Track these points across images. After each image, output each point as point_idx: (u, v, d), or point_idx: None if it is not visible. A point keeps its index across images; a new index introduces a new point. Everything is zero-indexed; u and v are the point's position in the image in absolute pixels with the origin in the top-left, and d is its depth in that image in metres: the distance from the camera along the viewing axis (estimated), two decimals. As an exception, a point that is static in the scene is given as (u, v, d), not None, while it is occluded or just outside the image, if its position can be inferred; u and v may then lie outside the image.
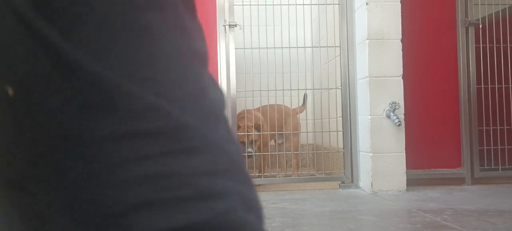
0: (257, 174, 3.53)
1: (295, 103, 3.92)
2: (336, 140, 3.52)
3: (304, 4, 3.51)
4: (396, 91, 3.07)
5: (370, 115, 3.07)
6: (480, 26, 3.39)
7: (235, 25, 3.26)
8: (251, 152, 3.35)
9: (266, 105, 3.65)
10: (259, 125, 3.47)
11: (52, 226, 0.34)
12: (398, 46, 3.10)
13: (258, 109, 3.71)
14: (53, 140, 0.33)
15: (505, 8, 3.48)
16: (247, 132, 3.36)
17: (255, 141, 3.42)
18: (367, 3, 3.10)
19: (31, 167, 0.34)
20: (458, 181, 3.33)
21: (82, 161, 0.33)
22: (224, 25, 3.23)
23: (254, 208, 0.41)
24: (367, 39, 3.10)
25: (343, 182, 3.32)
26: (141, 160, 0.34)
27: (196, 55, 0.42)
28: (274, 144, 3.92)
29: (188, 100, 0.37)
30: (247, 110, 3.54)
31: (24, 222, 0.35)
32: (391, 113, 3.02)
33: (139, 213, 0.33)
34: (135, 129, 0.34)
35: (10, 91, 0.33)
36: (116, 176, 0.33)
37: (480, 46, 3.38)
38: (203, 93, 0.40)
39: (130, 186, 0.33)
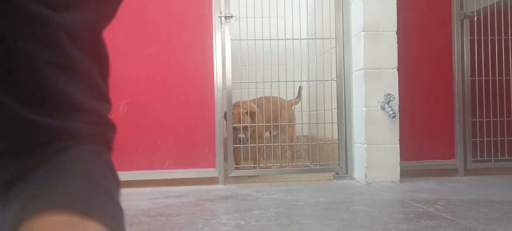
0: (252, 165, 3.55)
1: (291, 95, 3.94)
2: (331, 132, 3.55)
3: (299, -4, 3.51)
4: (391, 83, 3.09)
5: (365, 107, 3.09)
6: (475, 18, 3.41)
7: (231, 17, 3.26)
8: (243, 138, 3.38)
9: (262, 97, 3.66)
10: (254, 112, 3.49)
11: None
12: (394, 38, 3.11)
13: (253, 101, 3.72)
14: None
15: (500, 0, 3.49)
16: (241, 118, 3.38)
17: (249, 127, 3.45)
18: (362, -5, 3.10)
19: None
20: (451, 172, 3.37)
21: None
22: (219, 17, 3.23)
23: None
24: (363, 31, 3.11)
25: (337, 173, 3.35)
26: None
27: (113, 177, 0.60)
28: (269, 135, 3.94)
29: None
30: (242, 101, 3.55)
31: None
32: (386, 105, 3.04)
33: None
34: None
35: None
36: None
37: (474, 39, 3.40)
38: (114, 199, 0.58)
39: None
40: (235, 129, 3.38)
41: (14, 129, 0.50)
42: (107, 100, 0.61)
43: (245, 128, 3.42)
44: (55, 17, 0.49)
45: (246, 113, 3.45)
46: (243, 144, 3.39)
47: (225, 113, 3.33)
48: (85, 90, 0.55)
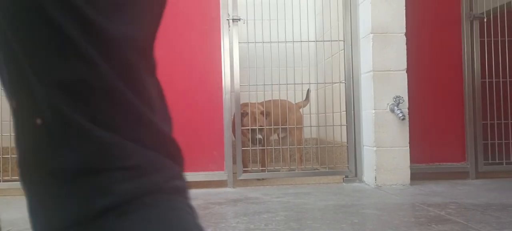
0: (260, 168, 3.54)
1: (299, 97, 3.92)
2: (340, 134, 3.52)
3: (307, -2, 3.50)
4: (400, 86, 3.07)
5: (374, 109, 3.07)
6: (485, 19, 3.37)
7: (239, 19, 3.25)
8: (260, 138, 3.38)
9: (270, 101, 3.65)
10: (269, 112, 3.49)
11: None
12: (402, 40, 3.09)
13: (261, 103, 3.71)
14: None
15: (510, 1, 3.46)
16: (257, 119, 3.39)
17: (265, 128, 3.45)
18: (371, -3, 3.09)
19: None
20: (462, 175, 3.33)
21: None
22: (227, 20, 3.23)
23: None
24: (371, 33, 3.09)
25: (347, 176, 3.33)
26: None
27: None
28: (277, 138, 3.92)
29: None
30: (250, 103, 3.54)
31: None
32: (395, 107, 3.01)
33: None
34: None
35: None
36: None
37: (484, 40, 3.36)
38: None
39: None
40: (252, 131, 3.38)
41: (84, 144, 0.45)
42: (169, 120, 0.57)
43: (261, 129, 3.41)
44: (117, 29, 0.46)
45: (262, 113, 3.45)
46: (259, 145, 3.38)
47: (242, 114, 3.32)
48: (146, 105, 0.50)
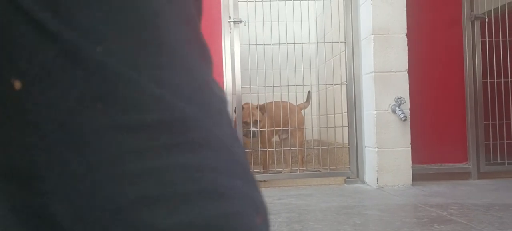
0: (262, 170, 3.54)
1: (300, 99, 3.92)
2: (342, 135, 3.52)
3: (308, 0, 3.50)
4: (401, 86, 3.07)
5: (376, 110, 3.07)
6: (486, 20, 3.37)
7: (240, 21, 3.26)
8: (254, 131, 3.39)
9: (271, 102, 3.66)
10: (264, 106, 3.51)
11: (50, 220, 0.33)
12: (404, 41, 3.09)
13: (262, 105, 3.72)
14: (53, 131, 0.32)
15: (511, 1, 3.46)
16: (251, 112, 3.41)
17: (259, 121, 3.46)
18: (372, -2, 3.09)
19: (31, 158, 0.33)
20: (464, 175, 3.33)
21: (81, 152, 0.32)
22: (228, 22, 3.23)
23: (262, 212, 0.40)
24: (372, 34, 3.09)
25: (348, 178, 3.33)
26: (143, 153, 0.32)
27: (202, 51, 0.41)
28: (278, 139, 3.93)
29: (193, 92, 0.36)
30: (251, 104, 3.55)
31: (20, 221, 0.33)
32: (397, 108, 3.01)
33: (140, 208, 0.31)
34: (137, 120, 0.32)
35: (17, 84, 0.32)
36: (116, 169, 0.32)
37: (486, 40, 3.36)
38: (208, 86, 0.38)
39: (132, 180, 0.32)
40: (246, 123, 3.39)
41: None
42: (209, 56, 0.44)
43: (256, 122, 3.43)
44: None
45: (256, 107, 3.47)
46: (253, 137, 3.40)
47: (235, 109, 3.33)
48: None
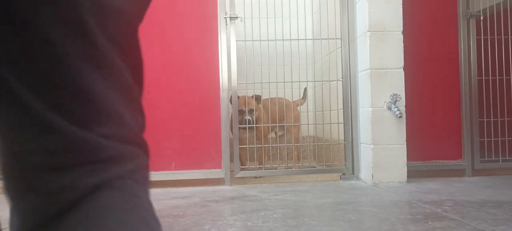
0: (258, 166, 3.55)
1: (296, 95, 3.93)
2: (337, 132, 3.53)
3: (305, -4, 3.50)
4: (397, 83, 3.08)
5: (371, 107, 3.08)
6: (481, 18, 3.38)
7: (236, 18, 3.25)
8: (249, 119, 3.40)
9: (267, 99, 3.66)
10: (259, 96, 3.52)
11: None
12: (399, 38, 3.10)
13: (258, 96, 3.73)
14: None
15: (507, 0, 3.47)
16: (247, 101, 3.41)
17: (255, 110, 3.46)
18: (368, -5, 3.09)
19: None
20: (459, 172, 3.35)
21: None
22: (225, 18, 3.23)
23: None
24: (368, 31, 3.09)
25: (344, 174, 3.34)
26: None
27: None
28: (274, 136, 3.93)
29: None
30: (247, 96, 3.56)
31: None
32: (392, 105, 3.02)
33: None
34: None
35: None
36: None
37: (481, 38, 3.38)
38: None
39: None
40: (241, 112, 3.40)
41: (36, 136, 0.44)
42: (142, 113, 0.53)
43: (251, 111, 3.44)
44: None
45: (252, 97, 3.49)
46: (248, 125, 3.40)
47: (231, 97, 3.33)
48: (117, 93, 0.47)
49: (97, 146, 0.46)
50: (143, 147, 0.53)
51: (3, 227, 2.02)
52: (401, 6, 3.11)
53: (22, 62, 0.43)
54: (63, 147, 0.44)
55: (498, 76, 3.38)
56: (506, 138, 3.37)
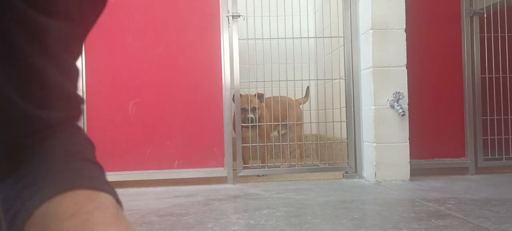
0: (260, 164, 3.55)
1: (299, 94, 3.93)
2: (340, 130, 3.53)
3: (307, -6, 3.50)
4: (400, 82, 3.07)
5: (374, 105, 3.07)
6: (485, 15, 3.37)
7: (239, 16, 3.25)
8: (252, 117, 3.40)
9: (270, 97, 3.66)
10: (262, 94, 3.52)
11: None
12: (402, 36, 3.09)
13: (261, 94, 3.73)
14: None
15: (510, -3, 3.45)
16: (249, 100, 3.41)
17: (257, 108, 3.46)
18: (371, -7, 3.08)
19: None
20: (462, 170, 3.34)
21: None
22: (227, 16, 3.23)
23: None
24: (371, 29, 3.09)
25: (347, 172, 3.33)
26: None
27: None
28: (277, 134, 3.93)
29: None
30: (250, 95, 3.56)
31: None
32: (395, 103, 3.01)
33: None
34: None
35: None
36: None
37: (484, 36, 3.36)
38: None
39: None
40: (244, 110, 3.40)
41: (14, 119, 0.55)
42: (76, 71, 0.66)
43: (254, 109, 3.44)
44: (46, 22, 0.54)
45: (255, 95, 3.49)
46: (251, 123, 3.40)
47: (234, 95, 3.33)
48: (68, 80, 0.60)
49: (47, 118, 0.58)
50: (81, 111, 0.65)
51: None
52: (404, 3, 3.10)
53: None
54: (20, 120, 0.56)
55: (502, 74, 3.37)
56: (510, 136, 3.35)
